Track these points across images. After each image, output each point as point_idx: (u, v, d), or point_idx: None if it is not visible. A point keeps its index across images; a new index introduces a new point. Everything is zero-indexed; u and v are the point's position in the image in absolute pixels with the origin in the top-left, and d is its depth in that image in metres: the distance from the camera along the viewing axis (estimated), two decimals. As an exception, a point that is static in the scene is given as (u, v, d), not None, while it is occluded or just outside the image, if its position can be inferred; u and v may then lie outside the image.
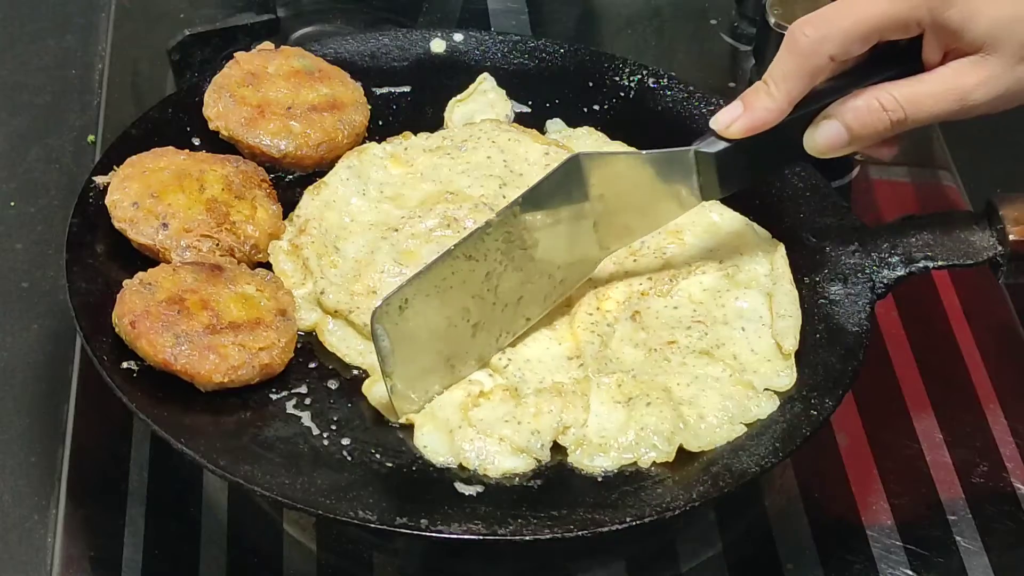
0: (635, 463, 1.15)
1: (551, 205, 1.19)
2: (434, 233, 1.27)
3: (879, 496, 1.23)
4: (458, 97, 1.41)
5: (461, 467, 1.14)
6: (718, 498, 1.12)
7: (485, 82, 1.42)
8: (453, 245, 1.16)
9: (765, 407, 1.18)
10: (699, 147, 1.18)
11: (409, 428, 1.17)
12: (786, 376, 1.20)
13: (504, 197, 1.30)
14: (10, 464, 1.25)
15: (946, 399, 1.30)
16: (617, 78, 1.43)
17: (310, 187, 1.32)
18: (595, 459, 1.16)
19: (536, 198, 1.18)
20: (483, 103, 1.41)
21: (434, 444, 1.15)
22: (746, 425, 1.17)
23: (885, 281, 1.25)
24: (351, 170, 1.32)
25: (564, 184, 1.18)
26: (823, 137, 1.15)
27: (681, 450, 1.16)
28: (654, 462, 1.15)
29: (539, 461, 1.15)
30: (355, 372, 1.21)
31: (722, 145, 1.17)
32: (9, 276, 1.38)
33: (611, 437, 1.16)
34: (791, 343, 1.21)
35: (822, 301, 1.25)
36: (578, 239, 1.21)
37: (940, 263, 1.25)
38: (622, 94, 1.43)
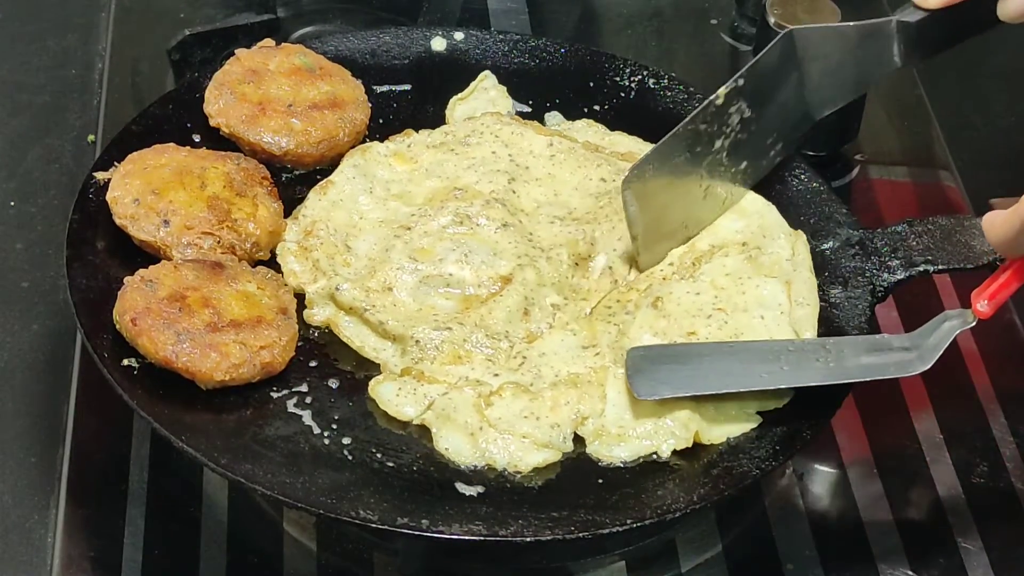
0: (652, 454, 1.15)
1: (769, 77, 1.27)
2: (447, 230, 1.27)
3: (879, 496, 1.23)
4: (459, 95, 1.41)
5: (489, 467, 1.15)
6: (718, 500, 1.12)
7: (486, 80, 1.42)
8: (690, 115, 1.25)
9: (782, 396, 1.18)
10: (900, 17, 1.23)
11: (412, 427, 1.17)
12: None
13: (514, 192, 1.30)
14: (10, 464, 1.24)
15: (946, 399, 1.30)
16: (617, 78, 1.43)
17: (316, 187, 1.32)
18: (613, 449, 1.16)
19: (756, 71, 1.26)
20: (484, 101, 1.41)
21: (456, 446, 1.15)
22: (762, 415, 1.17)
23: (885, 284, 1.25)
24: (357, 168, 1.32)
25: (779, 57, 1.26)
26: (1014, 6, 1.17)
27: (684, 449, 1.16)
28: (673, 450, 1.15)
29: (564, 453, 1.16)
30: (356, 371, 1.21)
31: (921, 15, 1.23)
32: (9, 276, 1.38)
33: (629, 427, 1.16)
34: (810, 333, 1.21)
35: (822, 304, 1.25)
36: (792, 104, 1.28)
37: (940, 267, 1.25)
38: (622, 94, 1.43)
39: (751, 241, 1.28)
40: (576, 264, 1.27)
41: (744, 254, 1.27)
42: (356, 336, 1.23)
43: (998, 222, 1.10)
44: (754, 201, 1.31)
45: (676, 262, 1.27)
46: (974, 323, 1.14)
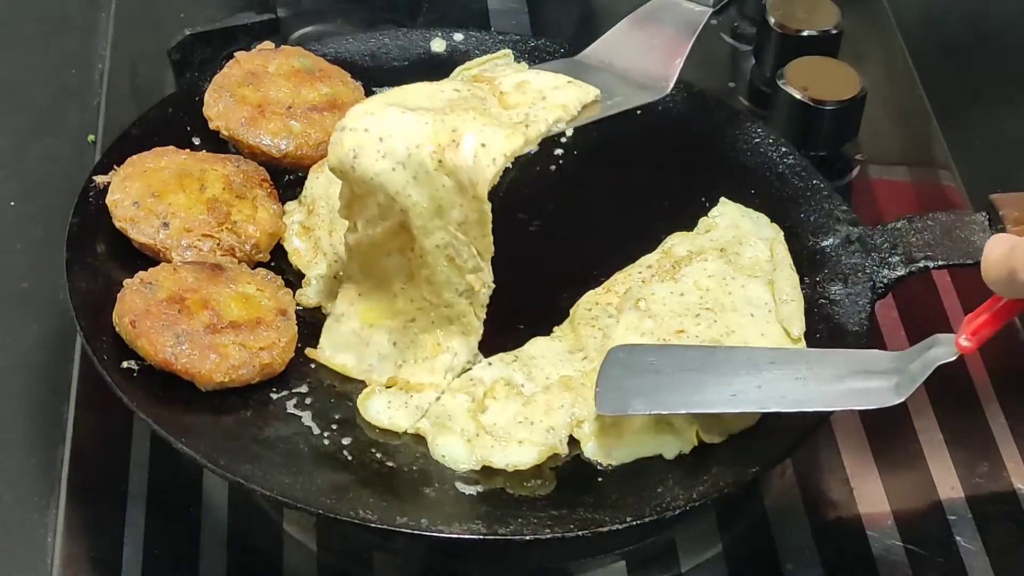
0: (650, 456, 1.15)
1: None
2: None
3: (879, 496, 1.23)
4: (467, 64, 1.41)
5: (487, 467, 1.15)
6: (718, 498, 1.12)
7: (505, 57, 1.42)
8: None
9: None
10: None
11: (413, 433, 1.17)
12: None
13: None
14: (10, 464, 1.24)
15: (946, 399, 1.30)
16: (617, 78, 1.44)
17: (314, 166, 1.32)
18: (613, 452, 1.16)
19: None
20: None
21: (453, 453, 1.15)
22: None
23: (885, 281, 1.25)
24: None
25: None
26: None
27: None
28: (680, 452, 1.15)
29: (561, 454, 1.15)
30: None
31: None
32: (9, 276, 1.38)
33: (629, 430, 1.16)
34: (798, 328, 1.21)
35: (822, 301, 1.25)
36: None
37: (940, 263, 1.25)
38: (622, 94, 1.43)
39: (728, 247, 1.28)
40: (440, 161, 1.15)
41: (723, 258, 1.27)
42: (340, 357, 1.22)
43: (992, 259, 1.07)
44: (728, 212, 1.32)
45: (654, 265, 1.27)
46: (955, 356, 1.10)
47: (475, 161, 1.14)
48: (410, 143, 1.15)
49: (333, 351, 1.22)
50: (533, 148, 1.19)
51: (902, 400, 1.11)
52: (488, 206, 1.16)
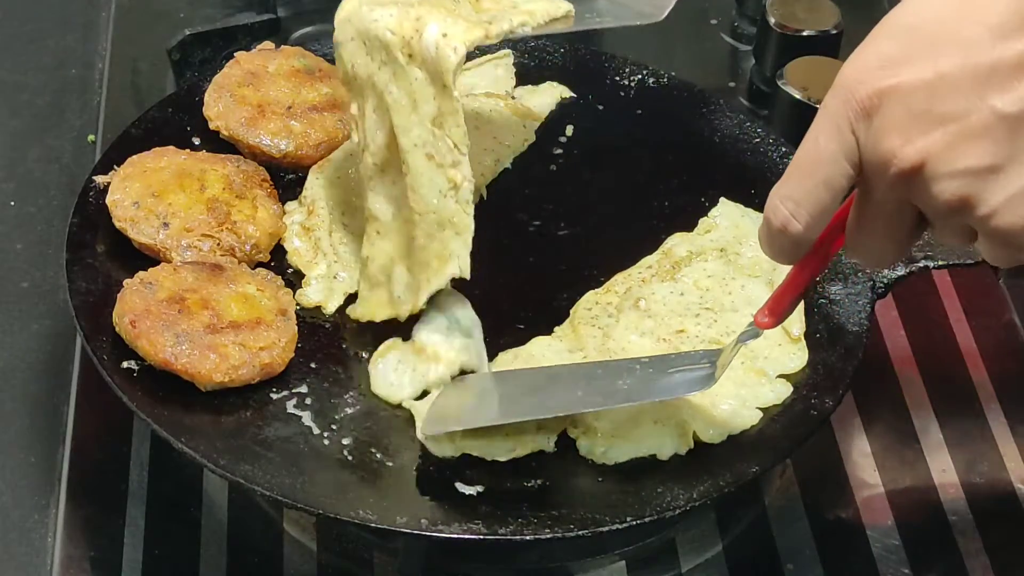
0: (646, 456, 1.15)
1: None
2: None
3: (879, 496, 1.23)
4: (466, 64, 1.41)
5: (464, 459, 1.14)
6: (718, 498, 1.12)
7: (506, 57, 1.42)
8: None
9: (780, 391, 1.18)
10: None
11: (413, 427, 1.17)
12: (798, 358, 1.20)
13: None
14: (10, 464, 1.24)
15: (946, 399, 1.30)
16: (617, 78, 1.44)
17: (314, 166, 1.32)
18: (608, 451, 1.15)
19: None
20: (490, 77, 1.41)
21: (437, 438, 1.15)
22: (762, 410, 1.17)
23: (885, 280, 1.25)
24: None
25: None
26: None
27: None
28: (675, 453, 1.15)
29: (546, 451, 1.15)
30: (356, 373, 1.21)
31: None
32: (9, 276, 1.38)
33: (624, 429, 1.16)
34: (798, 328, 1.21)
35: (822, 301, 1.25)
36: None
37: (940, 262, 1.25)
38: (622, 93, 1.43)
39: (729, 247, 1.28)
40: (410, 55, 1.17)
41: (723, 258, 1.27)
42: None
43: (762, 230, 1.00)
44: (728, 212, 1.32)
45: (654, 265, 1.27)
46: (758, 335, 1.08)
47: (437, 51, 1.16)
48: (382, 37, 1.18)
49: (366, 299, 1.23)
50: (493, 41, 1.20)
51: (714, 384, 1.10)
52: (457, 93, 1.16)
